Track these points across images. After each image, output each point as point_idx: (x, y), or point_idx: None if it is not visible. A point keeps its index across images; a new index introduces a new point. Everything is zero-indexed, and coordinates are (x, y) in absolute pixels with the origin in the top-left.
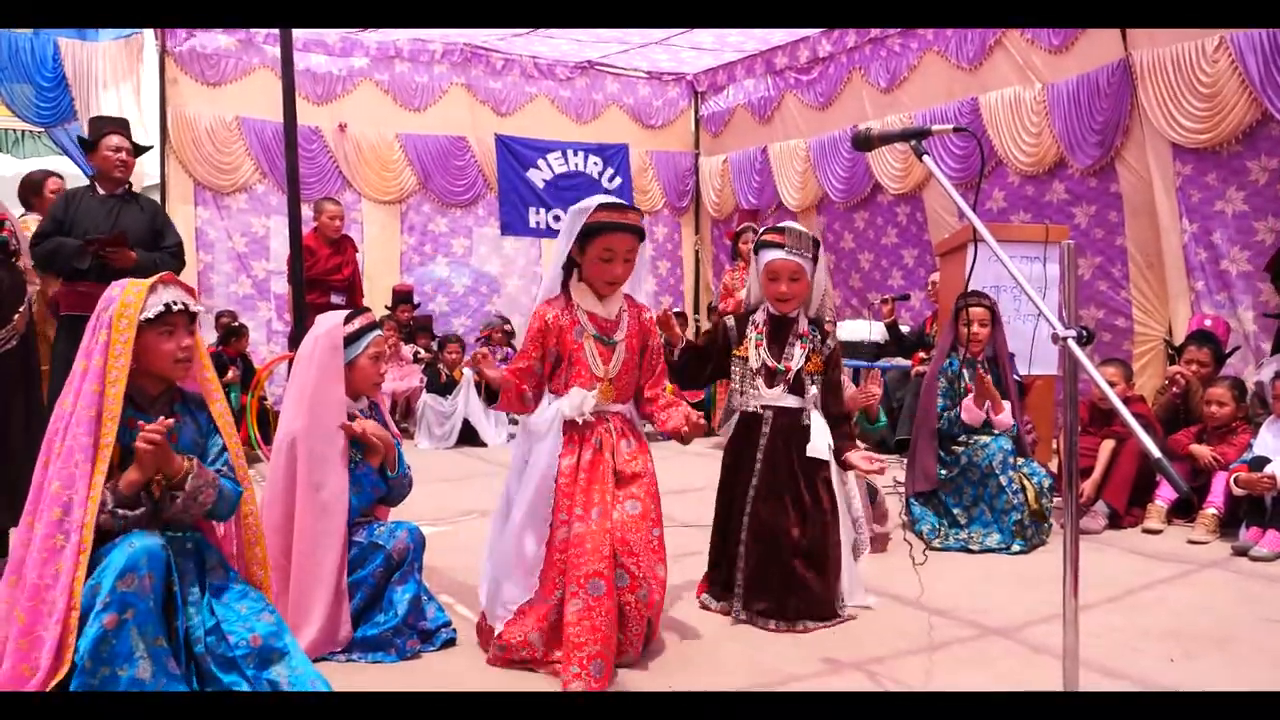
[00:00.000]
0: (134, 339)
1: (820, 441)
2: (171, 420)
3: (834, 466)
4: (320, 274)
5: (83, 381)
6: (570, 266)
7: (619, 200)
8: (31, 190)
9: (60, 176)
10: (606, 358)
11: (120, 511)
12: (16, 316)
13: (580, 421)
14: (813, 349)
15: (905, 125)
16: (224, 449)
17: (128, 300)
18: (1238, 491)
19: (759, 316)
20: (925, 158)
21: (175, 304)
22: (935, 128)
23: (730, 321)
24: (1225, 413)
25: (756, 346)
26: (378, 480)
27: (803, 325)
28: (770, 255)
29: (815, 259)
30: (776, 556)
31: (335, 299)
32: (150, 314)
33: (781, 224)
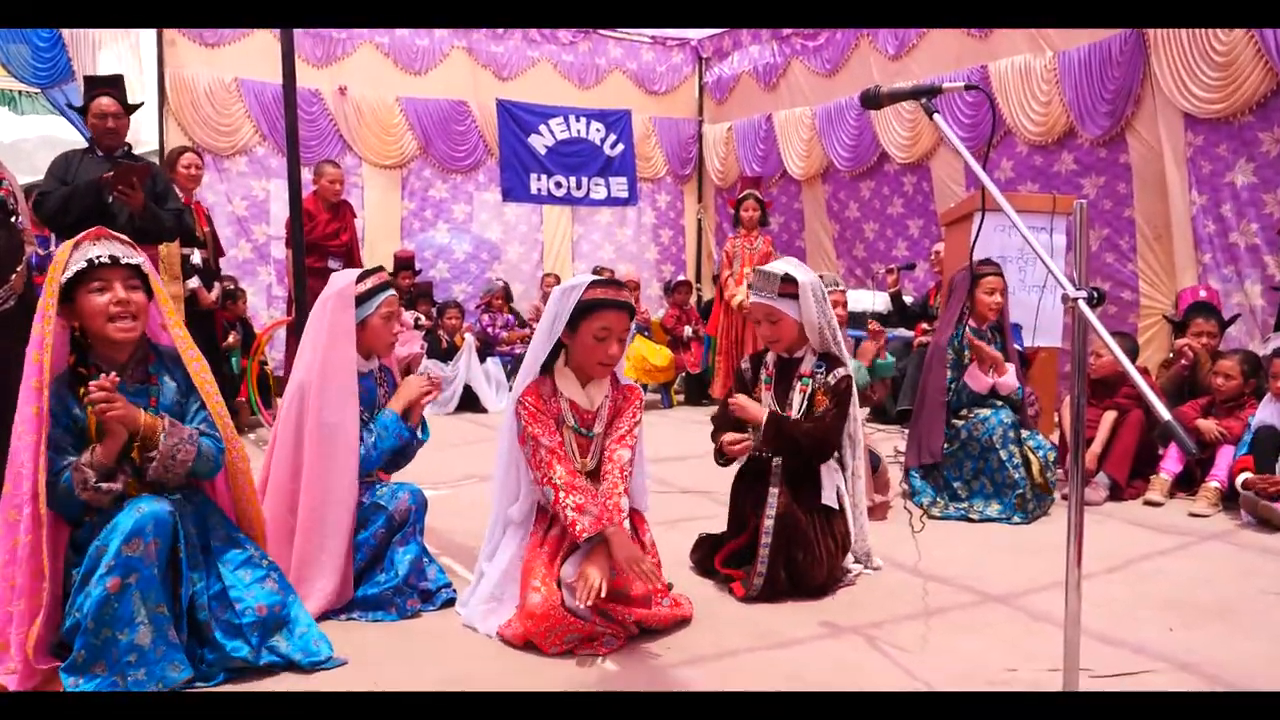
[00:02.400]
0: (57, 300)
1: (830, 489)
2: (115, 376)
3: (847, 507)
4: (319, 238)
5: (29, 352)
6: (554, 351)
7: (612, 277)
8: (168, 167)
9: (197, 152)
10: (585, 449)
11: (104, 486)
12: (14, 277)
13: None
14: (816, 387)
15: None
16: (201, 406)
17: (56, 260)
18: (1245, 492)
19: (770, 358)
20: (935, 116)
21: (99, 258)
22: (946, 85)
23: (745, 364)
24: (1233, 385)
25: (766, 390)
26: (402, 428)
27: (806, 365)
28: (751, 299)
29: (794, 295)
30: (791, 569)
31: (333, 264)
32: (70, 273)
33: (761, 266)
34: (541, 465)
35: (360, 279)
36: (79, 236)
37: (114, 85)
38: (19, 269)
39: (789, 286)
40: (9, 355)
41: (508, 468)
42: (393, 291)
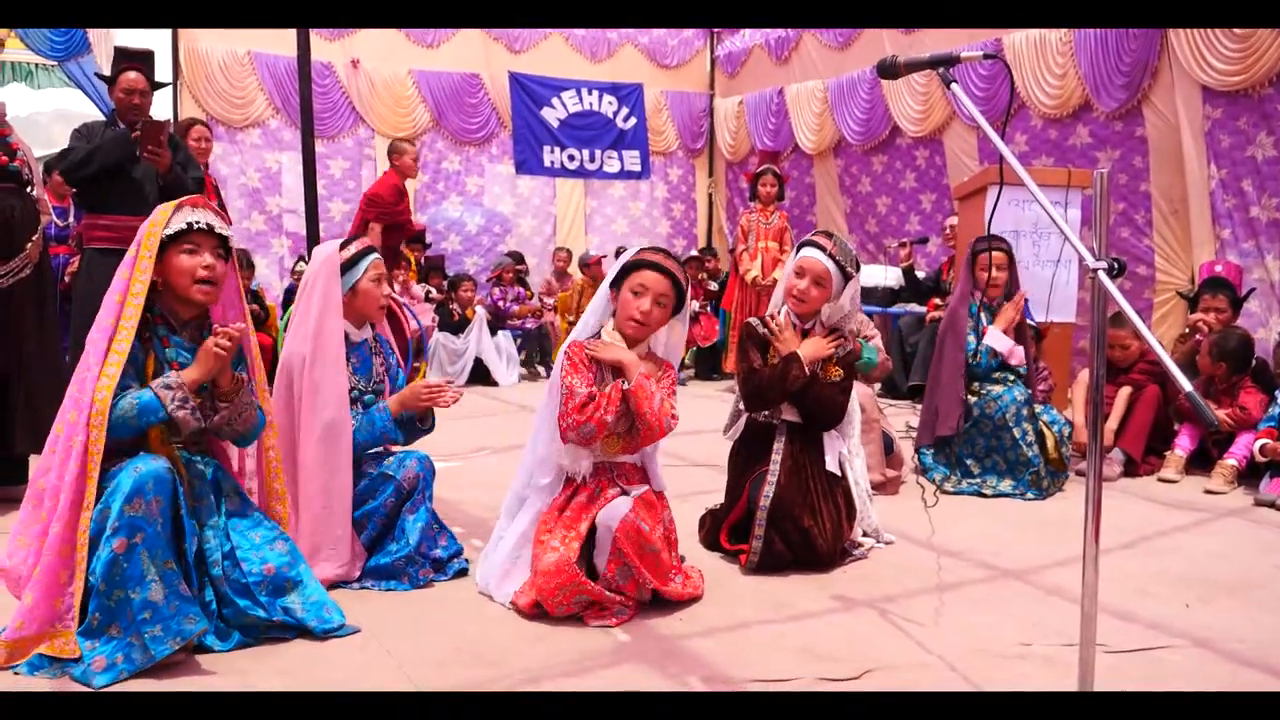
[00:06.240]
0: (156, 255)
1: (832, 454)
2: (244, 326)
3: (849, 474)
4: (406, 219)
5: (110, 295)
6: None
7: (667, 249)
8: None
9: (206, 124)
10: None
11: (198, 411)
12: (30, 245)
13: (579, 479)
14: (826, 359)
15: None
16: (250, 379)
17: (155, 219)
18: (1261, 459)
19: (782, 322)
20: (953, 86)
21: (197, 223)
22: (964, 54)
23: (755, 323)
24: (1204, 365)
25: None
26: (392, 428)
27: (816, 335)
28: (806, 251)
29: (848, 277)
30: (793, 538)
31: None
32: (171, 230)
33: (833, 233)
34: (570, 409)
35: (344, 246)
36: (182, 199)
37: (144, 60)
38: (35, 238)
39: (854, 266)
40: (25, 322)
41: (549, 433)
42: (378, 255)
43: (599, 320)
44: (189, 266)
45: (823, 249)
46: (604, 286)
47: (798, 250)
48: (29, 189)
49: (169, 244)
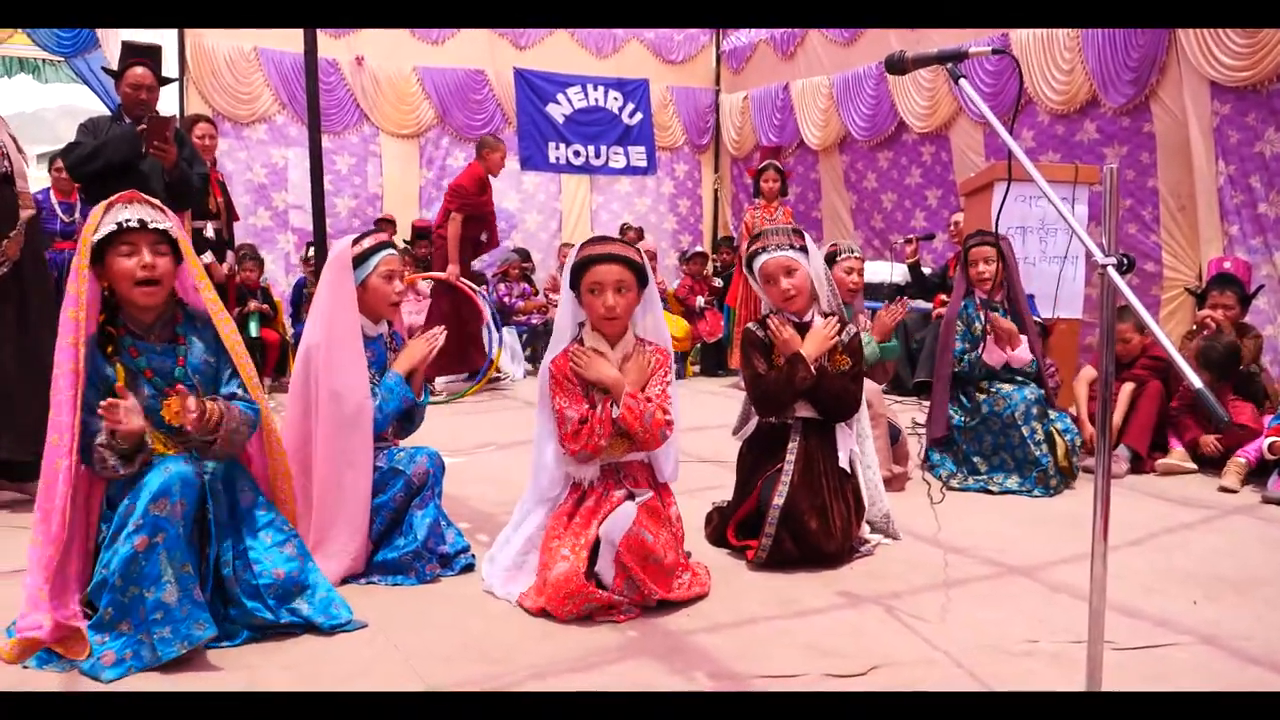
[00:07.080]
0: (90, 261)
1: (844, 451)
2: (112, 400)
3: (859, 471)
4: (488, 211)
5: (64, 310)
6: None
7: (607, 235)
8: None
9: (211, 121)
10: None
11: (121, 470)
12: (7, 241)
13: (588, 484)
14: (831, 349)
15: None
16: (234, 371)
17: (90, 221)
18: (1271, 457)
19: (776, 320)
20: (961, 81)
21: (127, 221)
22: (972, 49)
23: (755, 328)
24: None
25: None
26: (406, 390)
27: (817, 325)
28: (759, 261)
29: (805, 249)
30: (803, 537)
31: (482, 236)
32: (101, 234)
33: (760, 230)
34: (564, 437)
35: (358, 240)
36: (113, 198)
37: (151, 56)
38: (13, 234)
39: (799, 239)
40: (4, 324)
41: (552, 449)
42: (392, 250)
43: (572, 323)
44: (127, 269)
45: (770, 248)
46: (564, 291)
47: (748, 266)
48: (10, 184)
49: (105, 247)
